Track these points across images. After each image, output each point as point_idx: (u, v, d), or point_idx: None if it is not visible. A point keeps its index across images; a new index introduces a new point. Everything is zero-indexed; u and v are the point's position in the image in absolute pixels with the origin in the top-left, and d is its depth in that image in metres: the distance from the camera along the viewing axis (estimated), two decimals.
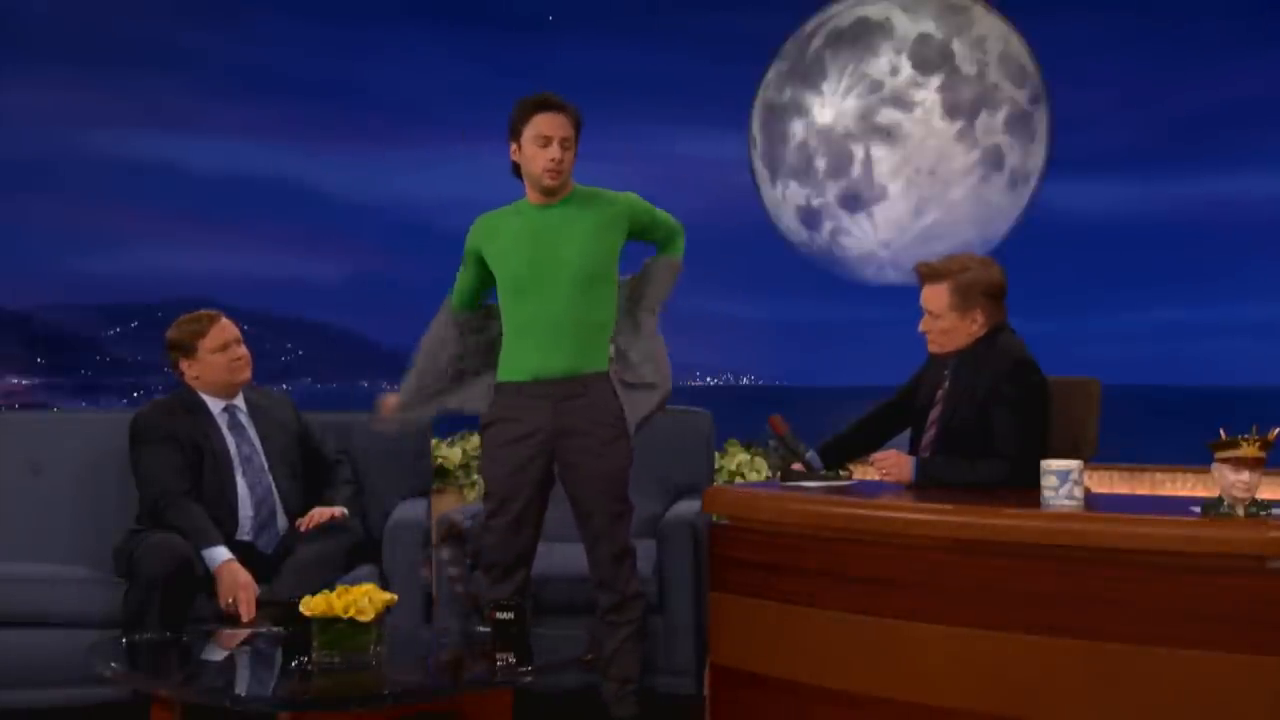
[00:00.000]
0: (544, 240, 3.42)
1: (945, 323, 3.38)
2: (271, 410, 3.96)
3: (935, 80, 9.25)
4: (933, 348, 3.44)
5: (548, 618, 3.57)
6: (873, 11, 9.32)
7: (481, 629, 3.17)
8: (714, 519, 3.43)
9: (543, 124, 3.37)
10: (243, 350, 3.88)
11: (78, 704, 3.54)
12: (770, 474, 5.16)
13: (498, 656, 2.85)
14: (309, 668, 2.75)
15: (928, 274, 3.41)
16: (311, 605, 2.75)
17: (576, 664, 3.26)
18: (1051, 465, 2.86)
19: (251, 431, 3.87)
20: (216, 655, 3.11)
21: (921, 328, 3.43)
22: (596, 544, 3.47)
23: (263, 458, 3.85)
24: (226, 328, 3.86)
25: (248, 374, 3.90)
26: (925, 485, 3.24)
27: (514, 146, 3.43)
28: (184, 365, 3.85)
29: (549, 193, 3.43)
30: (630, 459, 3.48)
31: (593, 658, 3.36)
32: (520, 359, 3.44)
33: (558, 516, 3.53)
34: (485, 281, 3.55)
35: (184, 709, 2.86)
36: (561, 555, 3.73)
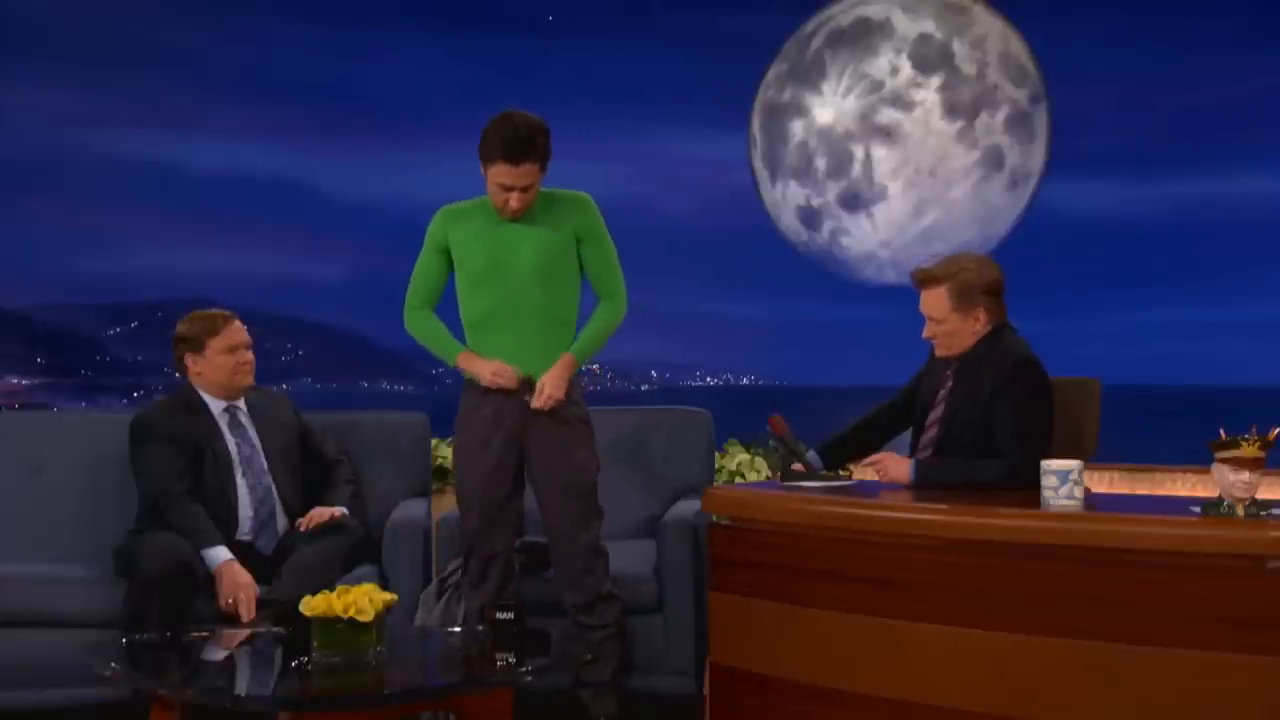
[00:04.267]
0: (505, 232, 3.40)
1: (948, 325, 3.36)
2: (272, 410, 3.96)
3: (935, 80, 9.25)
4: (940, 352, 3.42)
5: (544, 617, 3.56)
6: (873, 11, 9.32)
7: (481, 628, 3.17)
8: (714, 519, 3.43)
9: (501, 174, 3.31)
10: (249, 356, 3.88)
11: (77, 704, 3.55)
12: (770, 474, 5.16)
13: (498, 656, 2.86)
14: (309, 668, 2.75)
15: (925, 279, 3.40)
16: (311, 605, 2.75)
17: (576, 664, 3.26)
18: (1051, 465, 2.86)
19: (252, 431, 3.87)
20: (216, 655, 3.11)
21: (925, 334, 3.42)
22: (562, 543, 3.47)
23: (263, 458, 3.85)
24: (238, 331, 3.86)
25: (250, 380, 3.90)
26: (924, 486, 3.24)
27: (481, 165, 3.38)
28: (189, 360, 3.85)
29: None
30: (597, 460, 3.48)
31: (591, 659, 3.36)
32: (486, 355, 3.43)
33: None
34: (446, 275, 3.51)
35: (184, 709, 2.86)
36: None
